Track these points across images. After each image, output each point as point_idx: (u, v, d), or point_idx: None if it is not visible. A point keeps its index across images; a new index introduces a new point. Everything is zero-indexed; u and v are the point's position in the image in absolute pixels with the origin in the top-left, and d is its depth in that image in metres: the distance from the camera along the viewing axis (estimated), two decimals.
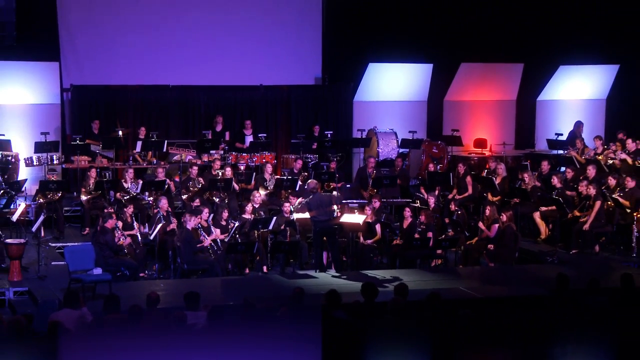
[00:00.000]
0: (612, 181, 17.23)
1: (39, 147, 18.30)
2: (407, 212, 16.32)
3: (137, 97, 20.54)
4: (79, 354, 8.78)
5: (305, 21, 21.66)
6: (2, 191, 16.47)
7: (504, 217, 15.89)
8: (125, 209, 15.81)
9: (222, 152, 19.30)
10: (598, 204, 16.51)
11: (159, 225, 15.57)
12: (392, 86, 21.85)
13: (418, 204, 17.56)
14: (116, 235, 14.86)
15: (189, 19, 20.77)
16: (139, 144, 19.29)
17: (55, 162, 18.48)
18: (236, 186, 17.73)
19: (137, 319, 10.59)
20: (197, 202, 16.44)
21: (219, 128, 20.12)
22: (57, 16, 20.03)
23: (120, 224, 15.18)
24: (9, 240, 14.92)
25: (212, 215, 16.00)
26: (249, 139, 20.13)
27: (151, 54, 20.58)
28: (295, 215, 16.27)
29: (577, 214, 16.74)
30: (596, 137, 19.93)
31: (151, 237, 15.55)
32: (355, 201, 17.76)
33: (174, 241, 15.35)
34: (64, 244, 16.12)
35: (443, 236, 16.21)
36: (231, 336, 9.35)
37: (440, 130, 22.19)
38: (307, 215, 15.77)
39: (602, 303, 11.67)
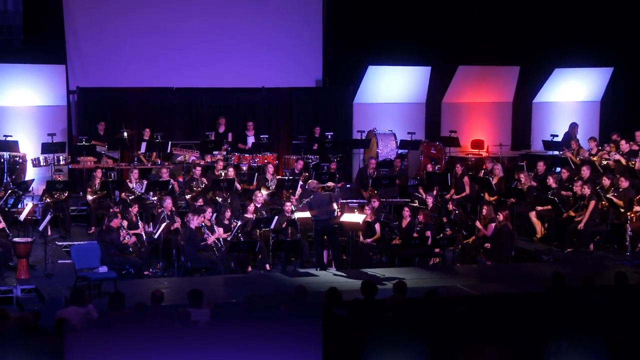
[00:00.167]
0: (606, 181, 17.23)
1: (46, 148, 18.31)
2: (406, 212, 16.31)
3: (142, 99, 20.55)
4: (85, 350, 8.78)
5: (306, 25, 21.67)
6: (10, 191, 16.46)
7: (500, 217, 15.89)
8: (130, 209, 15.80)
9: (224, 153, 19.30)
10: (592, 203, 16.51)
11: (163, 225, 15.57)
12: (391, 88, 21.84)
13: (416, 204, 17.55)
14: (121, 234, 14.85)
15: (192, 23, 20.79)
16: (144, 145, 19.31)
17: (61, 162, 18.48)
18: (238, 186, 17.72)
19: (141, 316, 10.59)
20: (200, 202, 16.45)
21: (221, 129, 20.12)
22: (64, 20, 20.05)
23: (125, 223, 15.17)
24: (16, 239, 14.93)
25: (215, 214, 15.99)
26: (251, 140, 20.12)
27: (155, 57, 20.59)
28: (297, 215, 16.27)
29: (572, 214, 16.73)
30: (590, 138, 19.92)
31: (155, 236, 15.55)
32: (355, 201, 17.76)
33: (177, 240, 15.35)
34: (70, 243, 16.11)
35: (441, 235, 16.21)
36: (234, 333, 9.35)
37: (438, 131, 22.18)
38: (308, 214, 15.77)
39: (596, 300, 11.66)
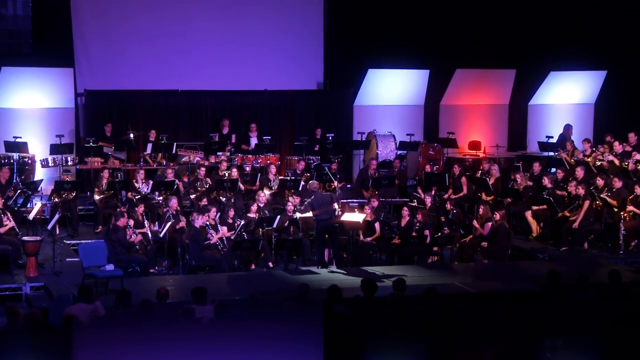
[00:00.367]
0: (600, 182, 17.22)
1: (54, 149, 18.30)
2: (405, 211, 16.30)
3: (148, 102, 20.54)
4: (92, 346, 8.77)
5: (308, 29, 21.66)
6: (19, 191, 16.46)
7: (497, 216, 15.88)
8: (136, 208, 15.79)
9: (228, 153, 19.30)
10: (587, 203, 16.50)
11: (169, 224, 15.55)
12: (391, 91, 21.83)
13: (415, 204, 17.53)
14: (128, 233, 14.85)
15: (197, 27, 20.79)
16: (150, 146, 19.31)
17: (69, 163, 18.48)
18: (242, 186, 17.72)
19: (147, 312, 10.59)
20: (204, 202, 16.44)
21: (225, 131, 20.11)
22: (72, 24, 20.06)
23: (131, 222, 15.16)
24: (25, 238, 14.93)
25: (219, 214, 15.99)
26: (254, 141, 20.11)
27: (161, 60, 20.59)
28: (299, 215, 16.26)
29: (567, 213, 16.72)
30: (585, 139, 19.91)
31: (161, 235, 15.54)
32: (355, 200, 17.76)
33: (182, 239, 15.34)
34: (78, 242, 16.12)
35: (439, 234, 16.19)
36: (237, 329, 9.34)
37: (436, 133, 22.16)
38: (310, 214, 15.77)
39: (591, 298, 11.65)
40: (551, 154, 20.18)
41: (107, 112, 20.14)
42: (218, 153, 19.11)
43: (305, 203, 16.12)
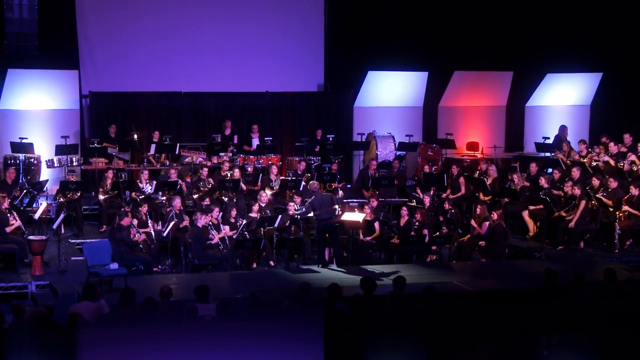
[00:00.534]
0: (596, 182, 17.22)
1: (60, 150, 18.31)
2: (404, 211, 16.29)
3: (151, 103, 20.54)
4: (97, 343, 8.76)
5: (309, 32, 21.66)
6: (25, 191, 16.46)
7: (494, 216, 15.87)
8: (140, 208, 15.79)
9: (230, 154, 19.29)
10: (583, 203, 16.49)
11: (172, 223, 15.56)
12: (390, 93, 21.82)
13: (414, 203, 17.52)
14: (131, 232, 14.85)
15: (199, 30, 20.79)
16: (153, 146, 19.30)
17: (74, 163, 18.48)
18: (244, 186, 17.72)
19: (150, 310, 10.59)
20: (207, 202, 16.44)
21: (227, 132, 20.11)
22: (77, 27, 20.06)
23: (135, 221, 15.16)
24: (31, 237, 14.93)
25: (221, 213, 15.99)
26: (256, 142, 20.11)
27: (164, 62, 20.58)
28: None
29: (563, 213, 16.72)
30: (580, 141, 19.92)
31: (164, 234, 15.54)
32: (355, 200, 17.76)
33: (185, 238, 15.34)
34: (82, 241, 16.12)
35: (437, 233, 16.19)
36: (239, 326, 9.34)
37: (435, 134, 22.16)
38: (310, 214, 15.78)
39: (586, 296, 11.66)
40: (548, 154, 20.18)
41: (111, 114, 20.13)
42: (220, 154, 19.11)
43: (307, 203, 16.11)
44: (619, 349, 10.28)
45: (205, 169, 17.88)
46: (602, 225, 16.77)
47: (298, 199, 16.55)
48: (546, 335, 10.36)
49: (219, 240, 15.24)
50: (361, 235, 16.04)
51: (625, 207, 16.56)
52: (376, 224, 16.11)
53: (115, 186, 17.20)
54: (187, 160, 19.18)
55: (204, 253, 15.07)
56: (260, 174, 18.33)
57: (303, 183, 17.60)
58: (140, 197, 16.88)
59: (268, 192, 17.37)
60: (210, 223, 15.30)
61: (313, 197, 15.78)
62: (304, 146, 20.04)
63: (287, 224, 16.15)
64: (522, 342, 10.22)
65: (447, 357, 9.86)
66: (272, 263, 15.64)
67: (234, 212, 15.97)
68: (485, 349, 10.05)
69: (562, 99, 23.09)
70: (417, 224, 15.98)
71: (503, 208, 16.61)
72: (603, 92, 22.98)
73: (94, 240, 15.84)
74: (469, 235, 16.32)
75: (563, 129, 21.69)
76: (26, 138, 18.58)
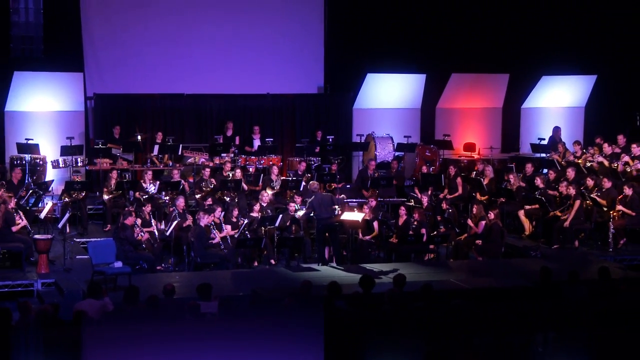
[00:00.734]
0: (590, 182, 17.21)
1: (65, 151, 18.30)
2: (402, 211, 16.29)
3: (155, 105, 20.55)
4: (102, 340, 8.77)
5: (309, 35, 21.67)
6: (31, 191, 16.46)
7: (491, 215, 15.87)
8: (143, 207, 15.78)
9: (232, 155, 19.28)
10: (577, 203, 16.49)
11: (175, 222, 15.56)
12: (389, 95, 21.82)
13: (412, 203, 17.53)
14: (135, 231, 14.84)
15: (202, 34, 20.80)
16: (156, 147, 19.30)
17: (79, 164, 18.48)
18: (245, 186, 17.72)
19: (154, 308, 10.59)
20: (209, 201, 16.44)
21: (229, 133, 20.11)
22: (82, 31, 20.07)
23: (139, 221, 15.16)
24: (37, 236, 14.91)
25: (223, 213, 15.98)
26: (257, 143, 20.12)
27: (167, 65, 20.59)
28: (300, 214, 16.24)
29: (559, 213, 16.72)
30: (575, 142, 19.92)
31: (167, 233, 15.54)
32: (354, 200, 17.76)
33: (188, 237, 15.34)
34: (87, 240, 16.12)
35: (435, 232, 16.19)
36: (240, 323, 9.34)
37: (432, 135, 22.16)
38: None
39: (581, 294, 11.66)
40: (543, 155, 20.18)
41: (115, 115, 20.14)
42: (222, 154, 19.10)
43: (307, 203, 16.12)
44: (613, 346, 10.28)
45: (208, 170, 17.88)
46: (596, 225, 16.77)
47: (298, 199, 16.54)
48: (542, 332, 10.35)
49: (220, 240, 15.23)
50: (360, 235, 16.04)
51: (619, 207, 16.55)
52: (375, 224, 16.12)
53: (119, 186, 17.20)
54: (189, 160, 19.18)
55: (206, 252, 15.07)
56: (262, 174, 18.33)
57: (303, 183, 17.60)
58: (144, 197, 16.87)
59: (269, 192, 17.37)
60: (213, 222, 15.30)
61: (313, 196, 15.78)
62: (304, 147, 20.05)
63: (287, 223, 16.15)
64: (518, 339, 10.21)
65: (445, 353, 9.86)
66: (273, 262, 15.64)
67: (235, 212, 15.97)
68: (482, 345, 10.04)
69: (557, 101, 23.09)
70: (415, 223, 15.98)
71: (499, 208, 16.60)
72: (597, 94, 22.97)
73: (98, 239, 15.84)
74: (466, 235, 16.32)
75: (556, 130, 21.70)
76: (32, 139, 18.59)
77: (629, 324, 10.59)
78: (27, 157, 18.28)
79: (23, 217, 15.25)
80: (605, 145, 18.96)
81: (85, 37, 20.10)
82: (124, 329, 9.06)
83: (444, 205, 17.05)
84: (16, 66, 19.35)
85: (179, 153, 19.13)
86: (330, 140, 20.26)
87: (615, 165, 18.14)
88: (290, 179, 18.00)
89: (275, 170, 18.26)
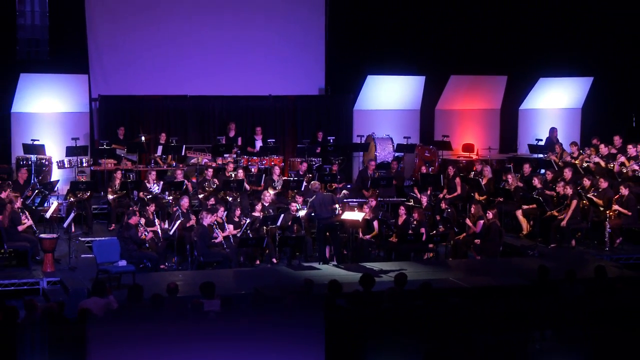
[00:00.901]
0: (587, 182, 17.21)
1: (70, 151, 18.31)
2: (402, 210, 16.29)
3: (158, 106, 20.54)
4: (106, 337, 8.78)
5: (310, 38, 21.65)
6: (37, 191, 16.47)
7: (489, 215, 15.86)
8: (147, 207, 15.79)
9: (234, 155, 19.28)
10: (574, 202, 16.49)
11: (178, 222, 15.55)
12: (389, 96, 21.82)
13: (412, 203, 17.53)
14: (139, 230, 14.85)
15: (205, 36, 20.79)
16: (160, 148, 19.30)
17: (84, 164, 18.48)
18: (247, 186, 17.71)
19: (158, 306, 10.59)
20: (212, 201, 16.43)
21: (232, 134, 20.11)
22: (87, 34, 20.06)
23: (143, 220, 15.16)
24: (43, 235, 14.93)
25: (226, 212, 15.99)
26: (259, 143, 20.11)
27: (171, 67, 20.59)
28: (302, 213, 16.22)
29: (556, 212, 16.71)
30: (572, 143, 19.94)
31: (171, 233, 15.54)
32: (355, 200, 17.75)
33: (191, 236, 15.34)
34: (92, 239, 16.13)
35: (434, 232, 16.19)
36: (243, 321, 9.35)
37: (432, 136, 22.16)
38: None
39: (578, 292, 11.66)
40: (540, 156, 20.17)
41: (119, 116, 20.14)
42: (225, 155, 19.10)
43: (308, 202, 16.12)
44: (609, 343, 10.28)
45: (210, 170, 17.89)
46: (593, 224, 16.77)
47: (300, 199, 16.54)
48: (539, 330, 10.35)
49: (222, 239, 15.23)
50: (360, 234, 16.04)
51: (615, 207, 16.55)
52: (375, 223, 16.11)
53: (123, 186, 17.20)
54: (192, 161, 19.18)
55: (209, 251, 15.07)
56: (264, 175, 18.32)
57: (305, 183, 17.60)
58: (148, 196, 16.88)
59: (271, 192, 17.37)
60: (216, 222, 15.30)
61: (314, 196, 15.78)
62: (305, 148, 20.04)
63: (289, 222, 16.15)
64: (516, 336, 10.21)
65: (444, 350, 9.86)
66: (274, 260, 15.64)
67: (238, 212, 15.97)
68: (480, 343, 10.04)
69: (555, 103, 23.08)
70: (414, 222, 15.97)
71: (497, 207, 16.59)
72: (594, 96, 22.97)
73: (103, 238, 15.85)
74: (464, 234, 16.32)
75: (553, 130, 21.70)
76: (38, 140, 18.59)
77: (625, 321, 10.59)
78: (33, 157, 18.28)
79: (29, 217, 15.25)
80: (602, 146, 18.96)
81: (90, 40, 20.10)
82: (128, 326, 9.07)
83: (443, 205, 17.05)
84: (22, 68, 19.35)
85: (182, 154, 19.13)
86: (331, 141, 20.24)
87: (612, 165, 18.14)
88: (291, 179, 17.99)
89: (277, 170, 18.25)
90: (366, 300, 11.06)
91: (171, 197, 16.92)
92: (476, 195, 17.66)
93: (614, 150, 18.85)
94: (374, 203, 16.35)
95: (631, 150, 18.35)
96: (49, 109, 19.53)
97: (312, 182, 16.77)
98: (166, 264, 15.41)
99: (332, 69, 21.88)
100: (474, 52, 22.14)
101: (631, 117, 22.67)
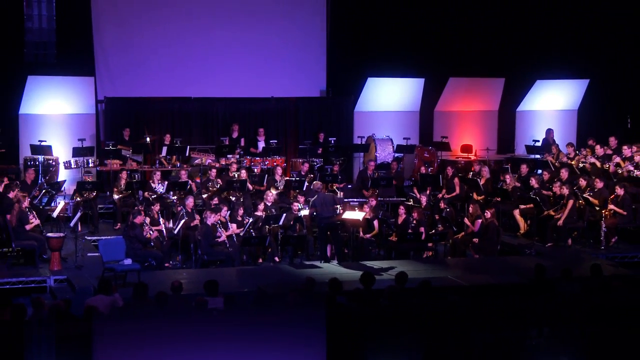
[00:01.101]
0: (583, 182, 17.20)
1: (77, 152, 18.32)
2: (402, 210, 16.29)
3: (163, 108, 20.55)
4: (111, 334, 8.77)
5: (312, 41, 21.66)
6: (44, 191, 16.47)
7: (487, 214, 15.85)
8: (152, 207, 15.78)
9: (237, 156, 19.29)
10: (571, 202, 16.48)
11: (182, 221, 15.56)
12: (389, 98, 21.82)
13: (411, 203, 17.53)
14: (144, 229, 14.85)
15: (209, 39, 20.81)
16: (165, 149, 19.30)
17: (90, 165, 18.49)
18: (250, 186, 17.72)
19: (162, 304, 10.60)
20: (215, 201, 16.43)
21: (235, 135, 20.12)
22: (93, 37, 20.08)
23: (148, 219, 15.16)
24: (50, 234, 14.94)
25: (229, 212, 15.99)
26: (262, 144, 20.11)
27: (175, 69, 20.60)
28: (304, 213, 16.22)
29: (552, 212, 16.70)
30: (568, 143, 19.92)
31: (175, 232, 15.55)
32: (355, 200, 17.75)
33: (195, 235, 15.34)
34: (98, 238, 16.14)
35: (433, 231, 16.18)
36: (246, 318, 9.34)
37: (431, 137, 22.16)
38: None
39: (574, 290, 11.65)
40: (537, 156, 20.17)
41: (125, 118, 20.14)
42: (228, 156, 19.11)
43: (310, 202, 16.12)
44: (605, 340, 10.28)
45: (214, 170, 17.89)
46: (588, 224, 16.75)
47: (302, 199, 16.54)
48: (536, 328, 10.35)
49: (226, 238, 15.23)
50: (361, 233, 16.04)
51: (611, 206, 16.54)
52: (375, 222, 16.11)
53: (129, 186, 17.21)
54: (196, 161, 19.18)
55: (213, 249, 15.07)
56: (266, 175, 18.32)
57: (306, 183, 17.60)
58: (153, 196, 16.88)
59: (273, 191, 17.37)
60: (219, 221, 15.30)
61: (316, 196, 15.78)
62: (307, 148, 20.05)
63: (291, 222, 16.15)
64: (514, 334, 10.21)
65: (442, 348, 9.86)
66: (277, 259, 15.64)
67: (241, 211, 15.98)
68: (478, 340, 10.04)
69: (551, 104, 23.07)
70: (414, 222, 15.97)
71: (495, 207, 16.59)
72: (590, 98, 22.96)
73: (109, 237, 15.86)
74: (463, 233, 16.31)
75: (549, 132, 21.71)
76: (45, 141, 18.61)
77: (621, 319, 10.58)
78: (41, 158, 18.30)
79: (36, 216, 15.26)
80: (598, 146, 18.95)
81: (96, 42, 20.12)
82: (133, 324, 9.07)
83: (442, 205, 17.05)
84: (30, 71, 19.38)
85: (187, 154, 19.14)
86: (332, 142, 20.26)
87: (607, 166, 18.13)
88: (293, 179, 18.00)
89: (279, 170, 18.26)
90: (366, 298, 11.06)
91: (175, 197, 16.93)
92: (474, 195, 17.65)
93: (609, 151, 18.84)
94: (374, 203, 16.35)
95: (626, 151, 18.33)
96: (56, 110, 19.55)
97: (314, 182, 16.77)
98: (171, 262, 15.41)
99: (333, 71, 21.89)
100: (472, 54, 22.15)
101: (626, 119, 22.65)
